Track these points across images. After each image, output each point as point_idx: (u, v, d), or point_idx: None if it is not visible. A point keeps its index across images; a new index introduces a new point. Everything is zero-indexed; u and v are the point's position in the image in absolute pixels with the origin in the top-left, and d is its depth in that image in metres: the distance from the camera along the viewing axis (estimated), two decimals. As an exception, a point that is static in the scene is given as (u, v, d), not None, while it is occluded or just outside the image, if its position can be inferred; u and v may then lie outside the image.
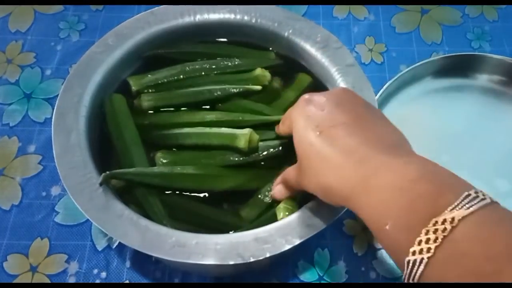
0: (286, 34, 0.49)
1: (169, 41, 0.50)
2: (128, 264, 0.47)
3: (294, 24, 0.49)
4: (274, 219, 0.40)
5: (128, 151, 0.43)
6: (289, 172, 0.38)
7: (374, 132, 0.32)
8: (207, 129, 0.44)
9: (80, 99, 0.44)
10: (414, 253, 0.24)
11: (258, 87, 0.47)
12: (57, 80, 0.58)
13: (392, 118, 0.54)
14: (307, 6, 0.65)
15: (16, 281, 0.46)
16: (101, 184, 0.39)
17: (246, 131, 0.43)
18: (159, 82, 0.48)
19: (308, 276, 0.47)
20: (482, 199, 0.24)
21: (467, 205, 0.23)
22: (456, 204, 0.24)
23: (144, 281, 0.46)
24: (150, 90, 0.48)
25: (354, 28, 0.64)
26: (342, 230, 0.49)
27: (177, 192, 0.43)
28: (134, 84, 0.48)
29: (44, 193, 0.51)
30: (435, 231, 0.23)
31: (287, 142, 0.43)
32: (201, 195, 0.43)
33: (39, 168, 0.52)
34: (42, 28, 0.62)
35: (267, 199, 0.42)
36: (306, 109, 0.34)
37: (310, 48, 0.48)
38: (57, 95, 0.44)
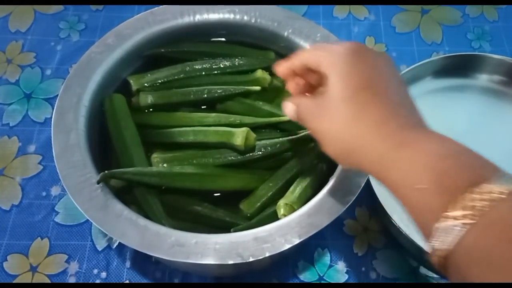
0: (285, 33, 0.49)
1: (169, 41, 0.50)
2: (128, 264, 0.47)
3: (294, 23, 0.49)
4: (274, 217, 0.40)
5: (128, 150, 0.43)
6: (303, 103, 0.34)
7: (406, 102, 0.31)
8: (205, 127, 0.44)
9: (79, 99, 0.44)
10: (452, 218, 0.23)
11: (257, 88, 0.47)
12: (57, 80, 0.58)
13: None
14: (307, 6, 0.65)
15: (16, 281, 0.46)
16: (98, 183, 0.39)
17: (244, 129, 0.43)
18: (160, 81, 0.48)
19: (308, 276, 0.47)
20: None
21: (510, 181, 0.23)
22: (500, 176, 0.24)
23: (144, 281, 0.46)
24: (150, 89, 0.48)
25: (354, 28, 0.64)
26: (342, 230, 0.49)
27: (175, 191, 0.43)
28: (135, 83, 0.48)
29: (44, 193, 0.51)
30: (480, 199, 0.23)
31: (285, 142, 0.44)
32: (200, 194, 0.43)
33: (39, 168, 0.52)
34: (42, 28, 0.63)
35: (268, 195, 0.42)
36: (352, 60, 0.32)
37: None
38: (57, 95, 0.44)
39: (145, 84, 0.48)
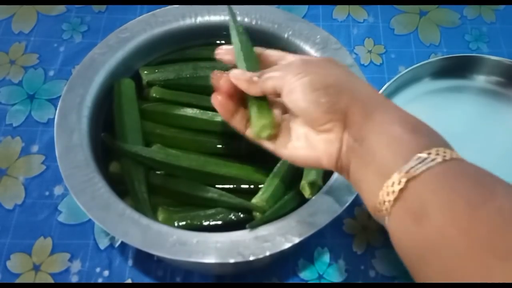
0: (286, 35, 0.50)
1: (171, 43, 0.50)
2: (130, 262, 0.47)
3: (294, 25, 0.50)
4: (287, 206, 0.41)
5: (125, 136, 0.45)
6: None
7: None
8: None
9: (82, 99, 0.44)
10: (429, 154, 0.27)
11: None
12: (60, 81, 0.59)
13: (391, 119, 0.55)
14: (307, 8, 0.66)
15: (19, 279, 0.46)
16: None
17: None
18: (170, 78, 0.48)
19: (308, 275, 0.47)
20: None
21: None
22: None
23: (146, 279, 0.47)
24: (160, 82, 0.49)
25: (353, 30, 0.65)
26: (341, 229, 0.50)
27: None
28: (146, 76, 0.48)
29: (47, 193, 0.51)
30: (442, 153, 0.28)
31: None
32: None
33: (42, 168, 0.53)
34: (45, 29, 0.63)
35: (277, 183, 0.42)
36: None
37: (309, 49, 0.49)
38: (60, 96, 0.44)
39: (156, 78, 0.48)
